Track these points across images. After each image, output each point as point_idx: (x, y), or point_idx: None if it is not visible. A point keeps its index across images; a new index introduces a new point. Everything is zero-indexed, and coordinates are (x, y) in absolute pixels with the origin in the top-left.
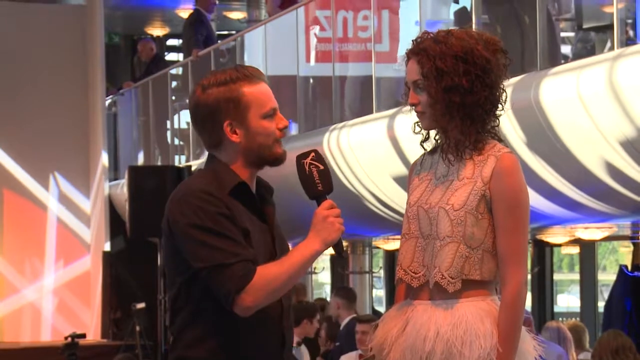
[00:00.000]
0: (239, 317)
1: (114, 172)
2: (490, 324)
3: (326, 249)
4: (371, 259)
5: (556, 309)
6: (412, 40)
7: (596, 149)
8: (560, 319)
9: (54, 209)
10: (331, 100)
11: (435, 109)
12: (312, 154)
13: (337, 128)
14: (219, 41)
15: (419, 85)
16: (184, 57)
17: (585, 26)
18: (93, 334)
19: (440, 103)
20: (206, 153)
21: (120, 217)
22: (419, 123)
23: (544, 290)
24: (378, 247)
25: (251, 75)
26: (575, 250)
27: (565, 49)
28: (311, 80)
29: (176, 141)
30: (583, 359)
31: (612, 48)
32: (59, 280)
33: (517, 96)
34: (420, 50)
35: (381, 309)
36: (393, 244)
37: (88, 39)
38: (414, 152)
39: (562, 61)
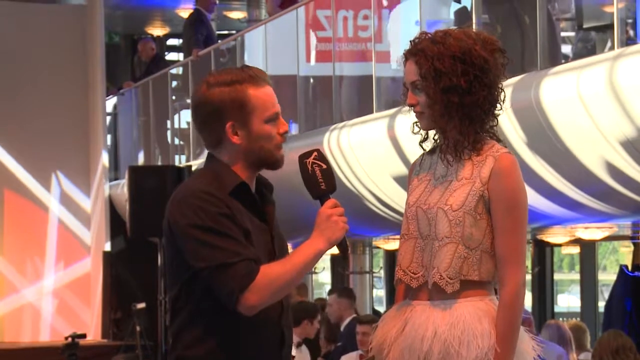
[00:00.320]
0: (238, 317)
1: (114, 172)
2: (488, 323)
3: (330, 247)
4: (371, 259)
5: (556, 309)
6: (410, 41)
7: (596, 148)
8: (560, 319)
9: (54, 209)
10: (331, 100)
11: (434, 110)
12: (315, 153)
13: (338, 128)
14: (219, 41)
15: (417, 86)
16: (184, 57)
17: (585, 26)
18: (93, 334)
19: (439, 104)
20: (206, 153)
21: (120, 217)
22: (418, 123)
23: (544, 290)
24: (378, 247)
25: (257, 77)
26: (575, 250)
27: (566, 49)
28: (311, 80)
29: (176, 141)
30: (584, 359)
31: (612, 48)
32: (59, 280)
33: (517, 96)
34: (418, 51)
35: (381, 309)
36: (393, 244)
37: (88, 39)
38: (414, 152)
39: (563, 61)
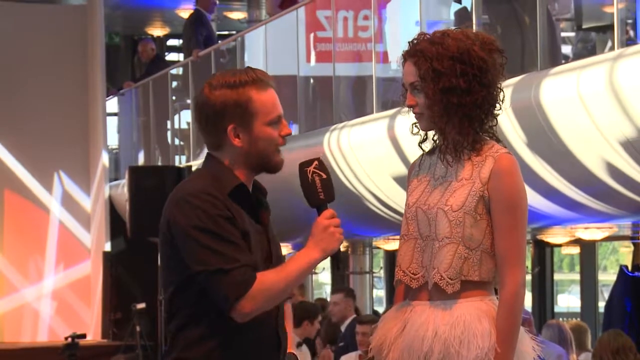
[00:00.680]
0: (235, 320)
1: (114, 172)
2: (488, 323)
3: (325, 258)
4: (371, 259)
5: (556, 309)
6: (409, 42)
7: (596, 149)
8: (560, 319)
9: (55, 208)
10: (331, 100)
11: (433, 111)
12: (316, 162)
13: (338, 128)
14: (219, 41)
15: (416, 87)
16: (185, 57)
17: (585, 26)
18: (93, 334)
19: (438, 104)
20: (206, 153)
21: (120, 217)
22: (417, 124)
23: (544, 290)
24: (378, 248)
25: (260, 80)
26: (575, 250)
27: (566, 49)
28: (311, 81)
29: (176, 141)
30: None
31: (612, 48)
32: (59, 280)
33: (518, 96)
34: (417, 52)
35: (381, 309)
36: (393, 244)
37: (88, 39)
38: (414, 152)
39: (563, 61)
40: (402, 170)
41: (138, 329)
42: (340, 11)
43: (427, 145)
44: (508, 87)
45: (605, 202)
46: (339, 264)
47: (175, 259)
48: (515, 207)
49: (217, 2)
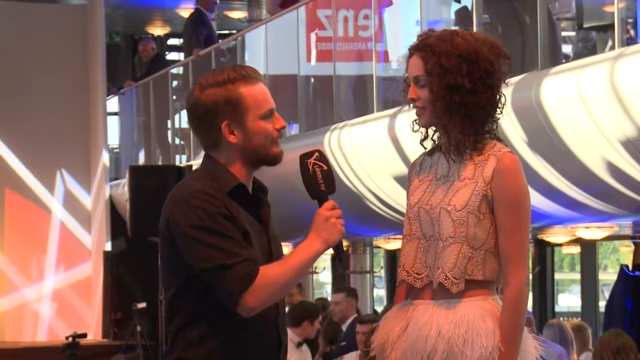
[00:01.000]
0: (235, 319)
1: (115, 172)
2: (492, 323)
3: (327, 249)
4: (372, 258)
5: (557, 309)
6: (417, 36)
7: (597, 148)
8: (561, 318)
9: (56, 208)
10: (332, 99)
11: (436, 106)
12: (316, 153)
13: (338, 127)
14: (219, 40)
15: (420, 81)
16: (185, 57)
17: (586, 25)
18: (94, 334)
19: (441, 100)
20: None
21: (121, 216)
22: (417, 120)
23: (544, 290)
24: (379, 247)
25: (249, 75)
26: (576, 249)
27: (566, 49)
28: (312, 80)
29: (177, 141)
30: (585, 359)
31: (613, 47)
32: (59, 280)
33: (518, 96)
34: (425, 46)
35: (381, 309)
36: (394, 244)
37: (89, 39)
38: (415, 152)
39: (563, 60)
40: (403, 169)
41: (139, 328)
42: (341, 10)
43: (428, 144)
44: (508, 87)
45: (606, 201)
46: (341, 255)
47: (176, 260)
48: (518, 206)
49: (218, 1)
